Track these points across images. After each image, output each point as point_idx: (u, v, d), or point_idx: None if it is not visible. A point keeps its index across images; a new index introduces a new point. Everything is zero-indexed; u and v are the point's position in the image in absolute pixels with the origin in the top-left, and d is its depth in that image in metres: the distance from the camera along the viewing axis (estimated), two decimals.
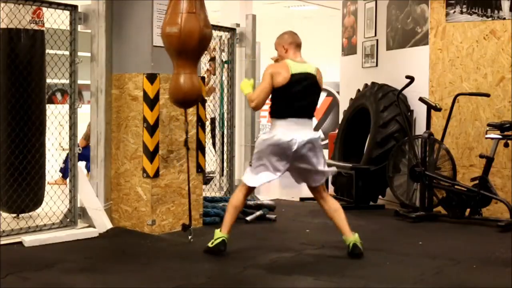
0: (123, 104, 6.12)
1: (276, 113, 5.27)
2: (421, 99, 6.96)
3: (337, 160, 8.21)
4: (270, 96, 5.27)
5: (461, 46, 7.20)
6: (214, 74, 8.33)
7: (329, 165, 8.12)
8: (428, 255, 5.37)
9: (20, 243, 5.46)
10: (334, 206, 5.34)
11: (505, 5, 6.98)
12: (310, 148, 5.21)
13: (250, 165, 5.36)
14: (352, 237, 5.26)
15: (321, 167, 5.31)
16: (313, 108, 5.34)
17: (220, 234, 5.28)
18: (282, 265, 5.04)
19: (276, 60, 5.39)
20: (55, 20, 6.01)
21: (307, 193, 8.73)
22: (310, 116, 5.31)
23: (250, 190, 5.42)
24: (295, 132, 5.16)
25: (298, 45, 5.34)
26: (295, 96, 5.18)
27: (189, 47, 5.35)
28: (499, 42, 7.02)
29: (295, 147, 5.14)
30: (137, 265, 5.00)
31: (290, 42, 5.31)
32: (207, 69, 8.69)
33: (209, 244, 5.28)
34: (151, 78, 5.96)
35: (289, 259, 5.23)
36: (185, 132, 5.81)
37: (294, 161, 5.23)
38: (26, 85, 5.90)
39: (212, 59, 9.19)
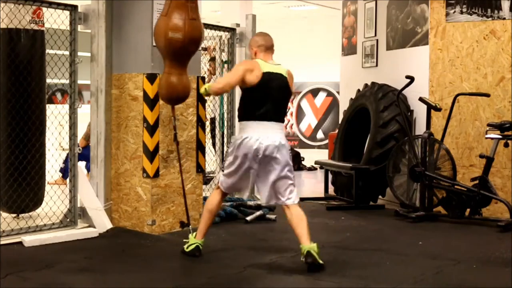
0: (123, 104, 6.12)
1: (246, 115, 5.04)
2: (421, 99, 6.96)
3: (337, 160, 8.21)
4: (241, 98, 5.13)
5: (461, 46, 7.20)
6: (214, 74, 8.33)
7: (329, 165, 8.22)
8: (428, 255, 5.37)
9: (20, 243, 5.46)
10: (299, 214, 5.01)
11: (505, 5, 6.98)
12: (277, 153, 4.95)
13: (223, 171, 5.23)
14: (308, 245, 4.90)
15: (282, 174, 5.00)
16: (283, 111, 5.12)
17: (194, 240, 5.21)
18: (282, 265, 5.04)
19: None
20: (55, 20, 6.01)
21: (307, 193, 8.75)
22: (280, 119, 5.07)
23: (225, 194, 5.28)
24: (264, 135, 4.94)
25: (268, 48, 5.12)
26: (265, 97, 4.97)
27: (189, 52, 5.60)
28: (499, 42, 7.02)
29: (261, 152, 4.92)
30: (137, 265, 5.00)
31: (259, 45, 5.13)
32: (207, 69, 8.69)
33: (185, 248, 5.23)
34: (151, 78, 5.96)
35: (289, 259, 5.23)
36: (173, 128, 5.88)
37: (260, 165, 4.98)
38: (26, 85, 5.90)
39: (212, 59, 9.18)
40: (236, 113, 5.37)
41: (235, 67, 5.17)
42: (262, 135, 4.95)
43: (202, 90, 5.14)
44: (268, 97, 4.98)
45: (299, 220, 4.96)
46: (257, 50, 5.13)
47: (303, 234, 4.91)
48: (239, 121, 5.17)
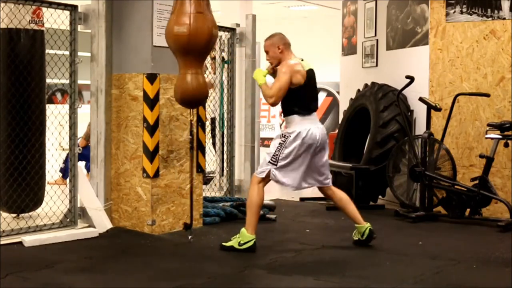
0: (123, 104, 6.12)
1: (299, 110, 5.37)
2: (421, 99, 6.96)
3: (337, 160, 8.21)
4: (291, 96, 5.36)
5: (461, 46, 7.20)
6: (214, 74, 8.33)
7: (329, 165, 8.20)
8: (428, 255, 5.37)
9: (20, 243, 5.46)
10: (344, 197, 5.60)
11: (505, 5, 6.98)
12: (326, 140, 5.47)
13: (275, 164, 5.33)
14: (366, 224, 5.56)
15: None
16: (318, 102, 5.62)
17: (250, 236, 5.31)
18: (282, 265, 5.04)
19: (272, 69, 5.51)
20: (55, 20, 6.01)
21: (307, 193, 8.75)
22: (316, 109, 5.57)
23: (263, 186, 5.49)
24: (316, 125, 5.40)
25: (289, 45, 5.51)
26: (310, 91, 5.46)
27: (197, 47, 5.35)
28: (499, 42, 7.02)
29: (320, 141, 5.36)
30: (137, 265, 5.00)
31: (285, 43, 5.48)
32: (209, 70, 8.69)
33: (237, 245, 5.31)
34: (151, 78, 5.96)
35: (289, 259, 5.23)
36: (189, 132, 5.85)
37: (315, 153, 5.40)
38: (26, 85, 5.90)
39: (212, 59, 9.19)
40: (236, 113, 5.53)
41: (280, 71, 5.36)
42: (317, 125, 5.42)
43: (259, 81, 5.40)
44: (312, 92, 5.52)
45: (348, 201, 5.57)
46: (283, 48, 5.45)
47: (356, 214, 5.53)
48: (288, 115, 5.42)
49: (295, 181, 5.39)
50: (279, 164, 5.32)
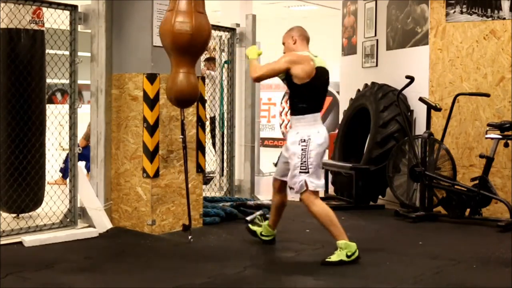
0: (123, 104, 6.12)
1: (309, 109, 5.15)
2: (421, 99, 6.96)
3: (337, 160, 8.21)
4: (299, 93, 5.14)
5: (461, 46, 7.20)
6: (214, 72, 8.37)
7: (329, 165, 8.22)
8: (428, 255, 5.37)
9: (20, 243, 5.46)
10: (286, 203, 5.64)
11: (505, 5, 6.98)
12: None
13: (307, 172, 5.10)
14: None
15: None
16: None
17: (347, 244, 5.06)
18: (282, 265, 5.05)
19: None
20: (55, 20, 6.01)
21: None
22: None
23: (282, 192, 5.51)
24: (323, 127, 5.23)
25: (307, 39, 5.33)
26: (319, 90, 5.22)
27: (197, 46, 5.40)
28: (499, 42, 7.02)
29: (327, 143, 5.25)
30: (137, 265, 5.00)
31: (300, 35, 5.28)
32: (202, 68, 8.71)
33: (345, 258, 5.02)
34: (151, 78, 5.96)
35: (289, 259, 5.23)
36: (181, 132, 5.82)
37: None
38: (26, 85, 5.90)
39: (208, 59, 9.21)
40: (236, 113, 5.44)
41: (280, 58, 5.19)
42: (323, 126, 5.24)
43: (251, 55, 5.30)
44: (321, 90, 5.26)
45: (284, 207, 5.63)
46: (297, 39, 5.26)
47: (278, 220, 5.64)
48: (301, 114, 5.15)
49: (322, 178, 5.29)
50: (312, 169, 5.10)
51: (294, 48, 5.25)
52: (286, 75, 5.15)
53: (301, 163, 5.07)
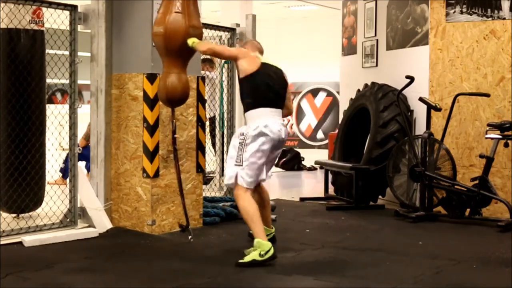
0: (123, 104, 6.12)
1: (255, 103, 5.19)
2: (421, 99, 6.96)
3: (337, 160, 8.21)
4: (244, 88, 5.27)
5: (461, 46, 7.20)
6: (211, 72, 8.38)
7: (329, 165, 8.22)
8: (428, 255, 5.37)
9: (20, 243, 5.46)
10: (267, 199, 5.56)
11: (505, 5, 6.98)
12: (285, 136, 5.29)
13: (240, 165, 5.13)
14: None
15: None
16: (283, 98, 5.32)
17: (260, 243, 5.00)
18: (282, 265, 5.04)
19: None
20: (55, 20, 6.01)
21: (307, 193, 8.76)
22: (280, 106, 5.30)
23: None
24: (278, 120, 5.20)
25: (258, 49, 5.44)
26: (267, 85, 5.19)
27: (174, 46, 5.37)
28: (499, 42, 7.02)
29: (282, 135, 5.19)
30: (137, 265, 5.00)
31: (254, 46, 5.45)
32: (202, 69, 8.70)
33: (258, 258, 4.96)
34: (151, 78, 5.96)
35: (289, 259, 5.22)
36: (171, 132, 5.81)
37: (274, 148, 5.25)
38: (26, 85, 5.90)
39: (204, 60, 9.20)
40: (236, 113, 5.44)
41: (233, 48, 5.40)
42: (277, 120, 5.19)
43: (189, 42, 5.32)
44: (269, 85, 5.21)
45: (268, 204, 5.56)
46: (249, 48, 5.42)
47: (269, 218, 5.53)
48: (248, 110, 5.25)
49: (256, 177, 5.20)
50: (246, 163, 5.12)
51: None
52: (238, 73, 5.32)
53: (237, 156, 5.16)
